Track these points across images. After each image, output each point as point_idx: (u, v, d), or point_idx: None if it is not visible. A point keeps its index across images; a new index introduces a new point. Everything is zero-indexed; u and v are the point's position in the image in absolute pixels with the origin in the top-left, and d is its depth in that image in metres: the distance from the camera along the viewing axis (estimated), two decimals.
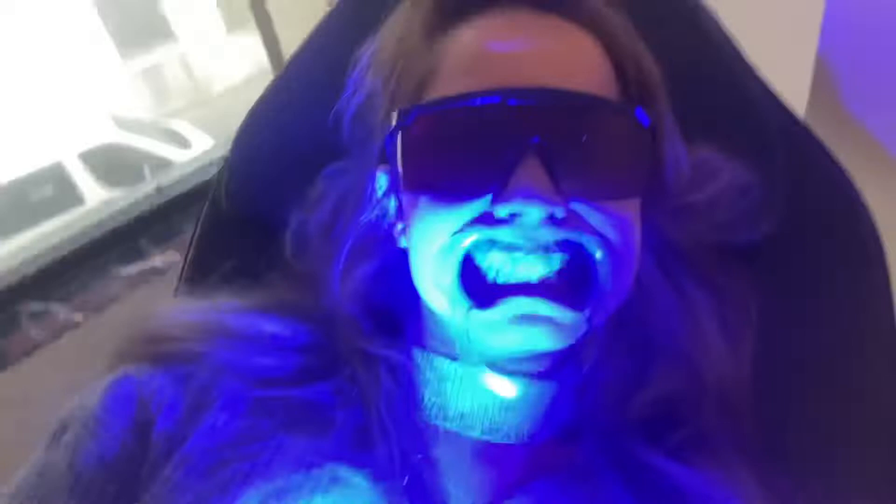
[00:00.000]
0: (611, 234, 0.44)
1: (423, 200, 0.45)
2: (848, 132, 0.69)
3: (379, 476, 0.45)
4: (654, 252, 0.52)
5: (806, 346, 0.57)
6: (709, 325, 0.51)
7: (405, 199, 0.48)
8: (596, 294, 0.44)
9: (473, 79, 0.44)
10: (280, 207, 0.55)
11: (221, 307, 0.53)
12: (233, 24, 8.08)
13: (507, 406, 0.49)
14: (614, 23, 0.49)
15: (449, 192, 0.44)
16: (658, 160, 0.49)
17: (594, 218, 0.44)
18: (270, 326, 0.52)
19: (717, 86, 0.59)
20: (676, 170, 0.51)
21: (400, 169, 0.46)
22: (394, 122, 0.46)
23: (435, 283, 0.46)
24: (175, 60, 7.98)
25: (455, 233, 0.44)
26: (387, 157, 0.50)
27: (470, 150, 0.44)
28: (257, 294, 0.54)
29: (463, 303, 0.44)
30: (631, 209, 0.46)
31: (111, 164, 4.69)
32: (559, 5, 0.47)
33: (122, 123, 5.27)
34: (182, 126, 5.73)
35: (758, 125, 0.59)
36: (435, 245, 0.45)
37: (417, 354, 0.51)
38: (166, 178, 1.56)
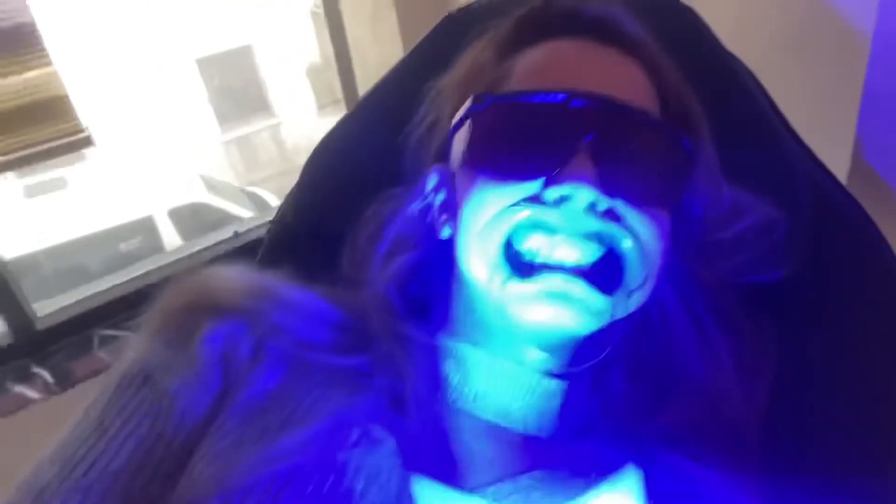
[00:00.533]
0: (643, 234, 0.48)
1: (482, 178, 0.49)
2: (886, 205, 0.69)
3: (408, 442, 0.47)
4: (679, 287, 0.55)
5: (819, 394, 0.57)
6: (727, 365, 0.53)
7: (463, 177, 0.52)
8: (623, 286, 0.48)
9: (541, 80, 0.50)
10: (341, 225, 0.60)
11: (276, 279, 0.56)
12: (323, 104, 8.61)
13: (518, 395, 0.52)
14: (664, 62, 0.54)
15: (507, 172, 0.48)
16: (694, 188, 0.53)
17: (631, 217, 0.48)
18: (318, 304, 0.55)
19: (750, 133, 0.63)
20: (714, 203, 0.55)
21: (465, 149, 0.51)
22: (464, 111, 0.51)
23: (479, 252, 0.49)
24: (267, 132, 8.51)
25: (507, 207, 0.48)
26: (443, 154, 0.56)
27: (531, 138, 0.49)
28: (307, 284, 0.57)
29: (503, 271, 0.48)
30: (663, 219, 0.50)
31: (196, 221, 4.95)
32: (619, 38, 0.53)
33: (211, 186, 5.58)
34: (265, 193, 6.06)
35: (787, 171, 0.61)
36: (486, 216, 0.48)
37: (444, 339, 0.54)
38: (243, 227, 1.64)
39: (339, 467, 0.43)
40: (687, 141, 0.50)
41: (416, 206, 0.58)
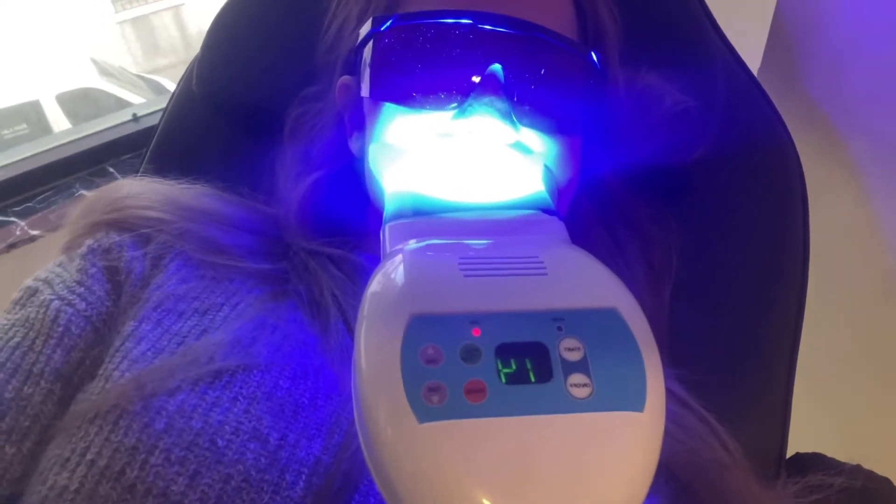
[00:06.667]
0: (553, 164, 0.47)
1: (386, 109, 0.47)
2: (794, 98, 0.73)
3: (326, 344, 0.46)
4: (593, 200, 0.56)
5: (714, 273, 0.61)
6: (637, 271, 0.56)
7: (369, 103, 0.51)
8: None
9: (447, 0, 0.47)
10: (247, 91, 0.57)
11: (184, 186, 0.55)
12: None
13: None
14: None
15: (412, 102, 0.46)
16: (606, 104, 0.52)
17: (540, 147, 0.47)
18: (229, 209, 0.54)
19: (674, 24, 0.63)
20: (616, 108, 0.55)
21: (367, 76, 0.48)
22: (366, 31, 0.48)
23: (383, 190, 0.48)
24: (168, 14, 7.86)
25: (414, 144, 0.46)
26: (351, 69, 0.53)
27: (437, 66, 0.46)
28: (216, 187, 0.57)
29: None
30: (573, 145, 0.50)
31: (89, 108, 4.62)
32: None
33: (104, 70, 5.18)
34: (167, 82, 5.67)
35: (704, 56, 0.62)
36: (393, 150, 0.47)
37: (358, 255, 0.53)
38: (143, 110, 1.54)
39: (263, 367, 0.42)
40: (600, 62, 0.48)
41: (327, 120, 0.57)
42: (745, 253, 0.61)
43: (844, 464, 0.57)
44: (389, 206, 0.41)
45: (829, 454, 0.60)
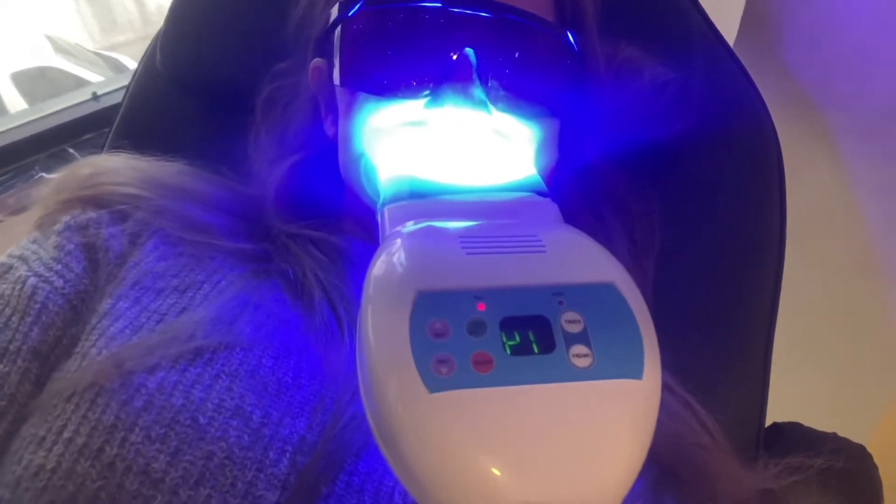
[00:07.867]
0: (530, 147, 0.47)
1: (357, 97, 0.47)
2: (771, 70, 0.73)
3: (311, 324, 0.46)
4: (576, 179, 0.56)
5: (693, 247, 0.62)
6: (620, 247, 0.56)
7: (339, 92, 0.50)
8: None
9: None
10: (215, 68, 0.55)
11: (161, 163, 0.54)
12: None
13: None
14: None
15: (383, 91, 0.45)
16: (585, 83, 0.52)
17: (518, 131, 0.46)
18: (208, 187, 0.53)
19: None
20: (596, 89, 0.54)
21: (336, 63, 0.47)
22: (334, 15, 0.47)
23: (358, 177, 0.48)
24: None
25: (387, 130, 0.45)
26: (323, 50, 0.52)
27: (407, 51, 0.45)
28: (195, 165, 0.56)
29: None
30: (551, 128, 0.49)
31: (46, 87, 4.50)
32: None
33: (60, 48, 5.04)
34: (126, 59, 5.53)
35: (683, 29, 0.62)
36: (365, 139, 0.46)
37: (336, 236, 0.53)
38: (103, 88, 1.49)
39: (245, 345, 0.42)
40: (577, 41, 0.47)
41: (302, 101, 0.56)
42: (724, 224, 0.62)
43: (820, 432, 0.58)
44: (386, 190, 0.41)
45: (806, 423, 0.61)
